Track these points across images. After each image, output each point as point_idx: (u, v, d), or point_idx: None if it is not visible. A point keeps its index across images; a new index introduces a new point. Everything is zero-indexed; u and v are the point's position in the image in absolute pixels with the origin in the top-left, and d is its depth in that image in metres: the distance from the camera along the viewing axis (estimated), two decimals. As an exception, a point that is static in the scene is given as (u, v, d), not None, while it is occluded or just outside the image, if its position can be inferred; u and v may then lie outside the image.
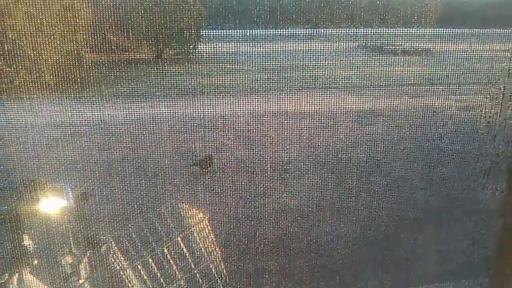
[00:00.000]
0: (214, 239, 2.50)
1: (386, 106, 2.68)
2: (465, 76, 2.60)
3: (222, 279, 2.45)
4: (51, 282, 1.99)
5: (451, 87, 2.68)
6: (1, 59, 2.12)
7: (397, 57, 2.80)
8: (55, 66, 2.25)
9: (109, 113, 2.45)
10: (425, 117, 2.83)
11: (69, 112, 2.46)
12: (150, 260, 2.24)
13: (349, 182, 3.02)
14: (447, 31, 2.58)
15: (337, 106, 2.61)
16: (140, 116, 2.41)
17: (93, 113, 2.50)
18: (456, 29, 2.61)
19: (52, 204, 2.01)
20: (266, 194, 3.02)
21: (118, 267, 2.17)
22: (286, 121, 2.80)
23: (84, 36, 2.37)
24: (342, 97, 2.70)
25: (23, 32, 2.07)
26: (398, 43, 2.80)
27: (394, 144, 2.94)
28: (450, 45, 2.59)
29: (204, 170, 3.29)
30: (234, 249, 2.62)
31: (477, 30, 2.66)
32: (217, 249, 2.50)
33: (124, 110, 2.39)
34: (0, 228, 1.84)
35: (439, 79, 2.71)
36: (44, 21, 2.00)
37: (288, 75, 2.78)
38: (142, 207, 2.63)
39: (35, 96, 2.29)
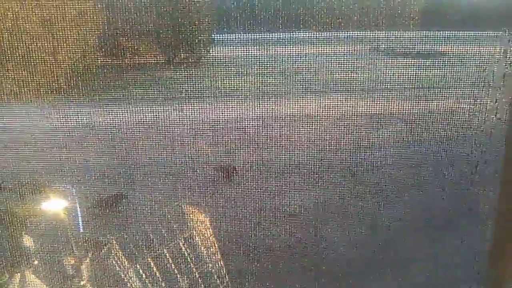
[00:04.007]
0: (219, 241, 2.49)
1: (396, 109, 2.62)
2: (479, 78, 2.51)
3: (224, 281, 2.45)
4: (53, 283, 2.02)
5: (464, 90, 2.59)
6: (10, 63, 2.15)
7: (410, 59, 2.74)
8: (67, 70, 2.28)
9: (119, 116, 2.47)
10: (436, 120, 2.75)
11: (81, 115, 2.48)
12: (151, 262, 2.25)
13: (358, 185, 2.97)
14: (459, 34, 2.50)
15: (348, 109, 2.57)
16: (149, 119, 2.43)
17: (103, 116, 2.51)
18: (470, 32, 2.53)
19: (55, 206, 2.04)
20: (274, 196, 2.99)
21: (119, 269, 2.19)
22: (297, 124, 2.76)
23: (96, 41, 2.39)
24: (353, 100, 2.65)
25: (37, 37, 2.10)
26: (410, 46, 2.73)
27: (403, 147, 2.88)
28: (463, 48, 2.52)
29: (225, 177, 3.24)
30: (239, 251, 2.61)
31: (490, 32, 2.57)
32: (220, 252, 2.50)
33: (135, 114, 2.41)
34: (2, 228, 1.88)
35: (454, 81, 2.62)
36: (57, 26, 2.02)
37: (300, 78, 2.75)
38: (149, 209, 2.64)
39: (47, 99, 2.32)
